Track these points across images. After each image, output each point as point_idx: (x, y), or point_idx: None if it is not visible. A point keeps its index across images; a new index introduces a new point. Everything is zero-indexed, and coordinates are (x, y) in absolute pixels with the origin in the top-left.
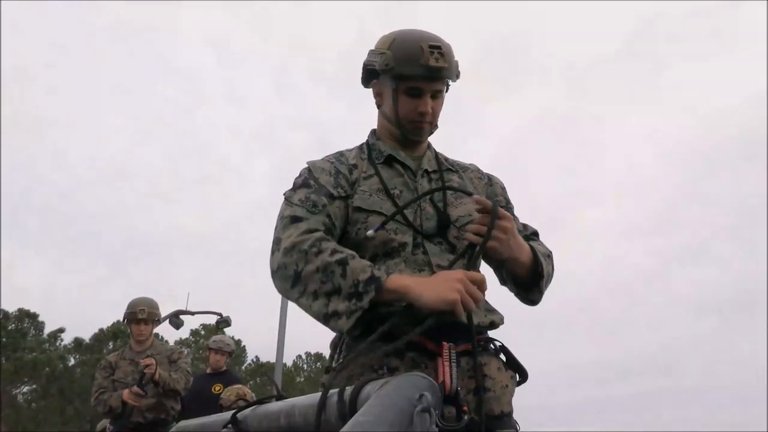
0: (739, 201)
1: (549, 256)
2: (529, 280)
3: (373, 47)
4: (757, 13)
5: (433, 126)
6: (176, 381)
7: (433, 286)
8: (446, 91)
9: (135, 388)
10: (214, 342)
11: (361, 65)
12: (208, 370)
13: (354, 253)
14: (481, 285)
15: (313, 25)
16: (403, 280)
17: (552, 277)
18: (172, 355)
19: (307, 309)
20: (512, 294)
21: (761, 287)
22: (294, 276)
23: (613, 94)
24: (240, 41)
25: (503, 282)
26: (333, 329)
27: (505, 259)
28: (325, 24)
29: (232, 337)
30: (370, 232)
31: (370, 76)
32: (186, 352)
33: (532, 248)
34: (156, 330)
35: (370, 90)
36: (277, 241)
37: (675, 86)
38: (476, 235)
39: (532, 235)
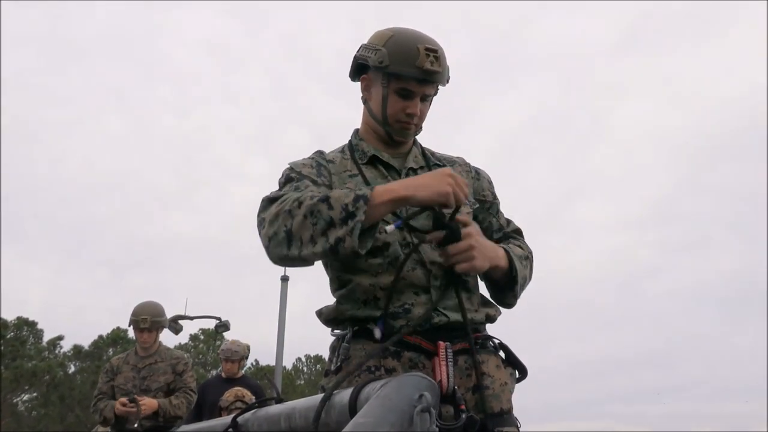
0: (740, 193)
1: (527, 258)
2: (504, 284)
3: (366, 42)
4: (758, 3)
5: (419, 128)
6: (177, 408)
7: (424, 184)
8: (435, 95)
9: (125, 401)
10: (222, 351)
11: (352, 58)
12: (224, 375)
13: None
14: (465, 186)
15: (309, 24)
16: (390, 187)
17: (530, 279)
18: (178, 365)
19: (314, 256)
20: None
21: (762, 279)
22: (286, 236)
23: (611, 86)
24: (236, 41)
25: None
26: (345, 255)
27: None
28: (321, 22)
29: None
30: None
31: (360, 70)
32: (190, 361)
33: (506, 252)
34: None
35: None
36: (260, 222)
37: (674, 77)
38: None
39: (513, 233)
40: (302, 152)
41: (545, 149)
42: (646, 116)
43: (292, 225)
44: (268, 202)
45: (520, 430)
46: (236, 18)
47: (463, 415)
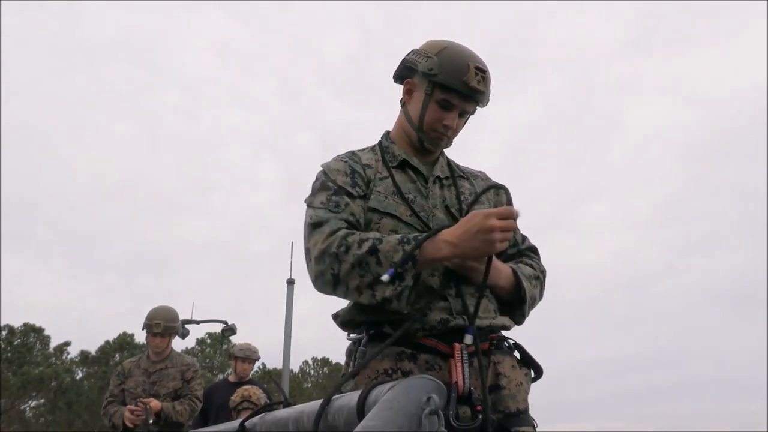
0: (751, 192)
1: (538, 278)
2: (512, 303)
3: (418, 47)
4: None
5: (450, 141)
6: (179, 414)
7: (470, 245)
8: (473, 113)
9: (133, 408)
10: (240, 351)
11: (401, 60)
12: (231, 378)
13: (379, 235)
14: (511, 215)
15: (316, 27)
16: (438, 248)
17: (540, 299)
18: (187, 372)
19: (358, 301)
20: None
21: None
22: (333, 279)
23: (622, 87)
24: (243, 45)
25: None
26: (392, 311)
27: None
28: (328, 25)
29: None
30: (384, 277)
31: (405, 73)
32: (199, 368)
33: (514, 272)
34: None
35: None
36: (307, 252)
37: (685, 77)
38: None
39: (527, 250)
40: (311, 155)
41: (556, 149)
42: (658, 116)
43: (340, 271)
44: (313, 227)
45: (537, 429)
46: (245, 22)
47: (480, 416)
